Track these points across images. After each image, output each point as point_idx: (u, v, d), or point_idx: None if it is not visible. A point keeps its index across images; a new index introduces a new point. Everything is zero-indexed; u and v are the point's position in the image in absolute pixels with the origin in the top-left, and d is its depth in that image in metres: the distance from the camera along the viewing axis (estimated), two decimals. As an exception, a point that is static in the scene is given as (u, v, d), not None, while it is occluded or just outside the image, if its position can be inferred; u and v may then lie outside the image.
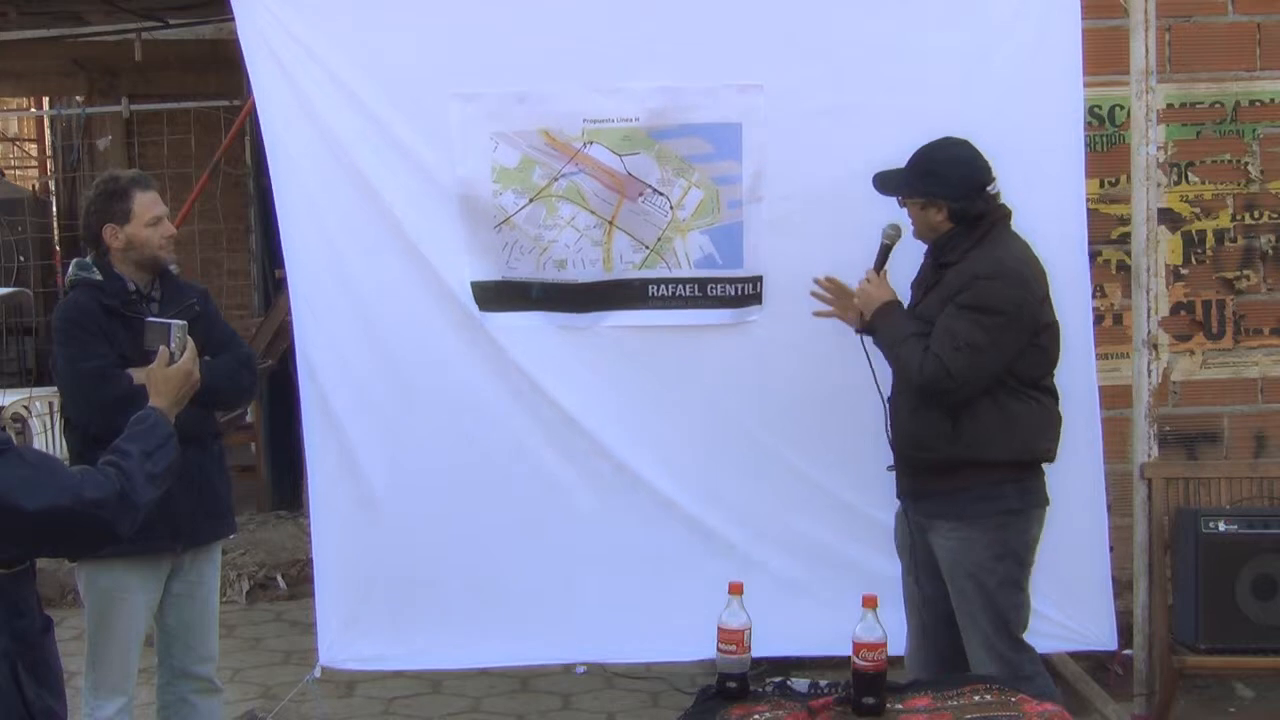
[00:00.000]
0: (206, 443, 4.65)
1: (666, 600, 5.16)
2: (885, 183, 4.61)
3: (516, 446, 5.19)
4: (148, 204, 4.60)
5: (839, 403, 5.10)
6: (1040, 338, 4.50)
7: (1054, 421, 4.58)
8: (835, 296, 4.69)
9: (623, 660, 5.82)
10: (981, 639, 4.51)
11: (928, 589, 4.65)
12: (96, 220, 4.58)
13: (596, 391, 5.18)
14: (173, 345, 3.80)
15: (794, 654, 5.18)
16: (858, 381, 4.93)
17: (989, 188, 4.51)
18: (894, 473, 4.68)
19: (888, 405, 4.64)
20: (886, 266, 4.63)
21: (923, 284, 4.61)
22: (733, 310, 5.14)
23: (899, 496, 4.71)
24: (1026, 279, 4.47)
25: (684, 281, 5.11)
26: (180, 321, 3.91)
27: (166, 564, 4.64)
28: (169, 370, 3.72)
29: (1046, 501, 4.59)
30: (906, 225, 4.64)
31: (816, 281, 4.71)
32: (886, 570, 4.84)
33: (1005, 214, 4.55)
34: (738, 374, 5.15)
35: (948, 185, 4.48)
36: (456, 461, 5.21)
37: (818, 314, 4.74)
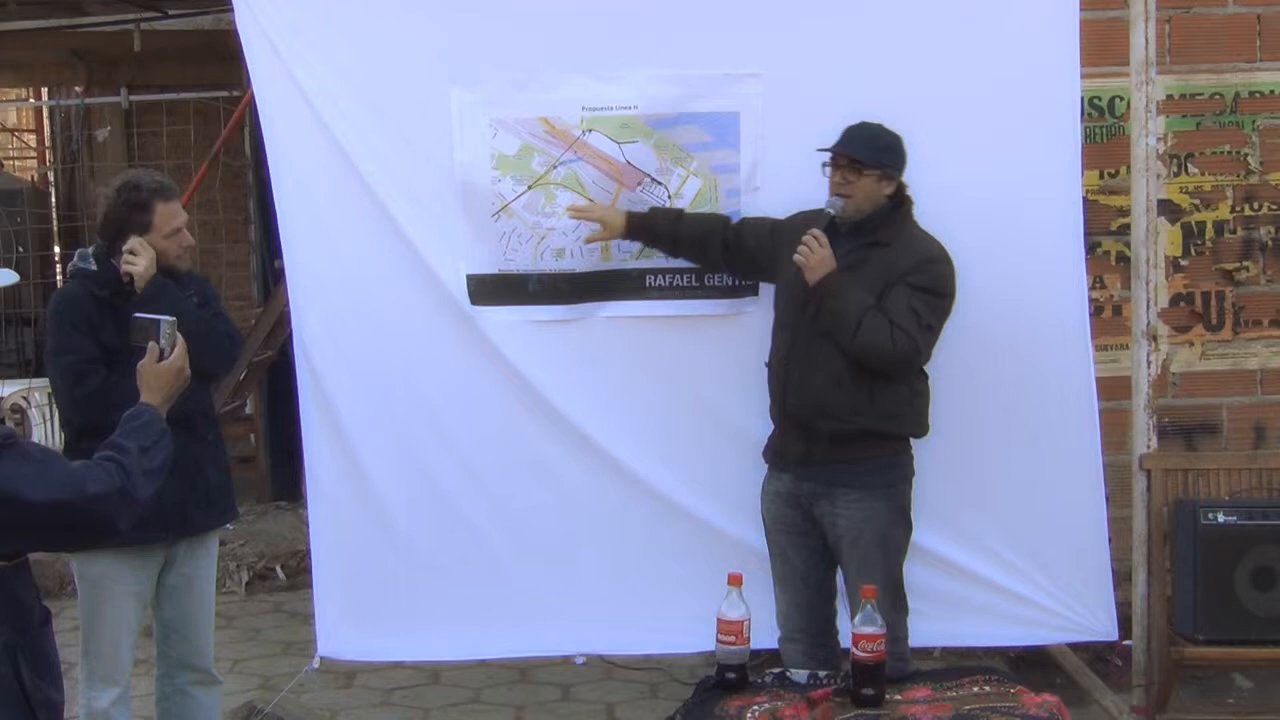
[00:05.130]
0: (199, 431, 4.64)
1: (666, 592, 5.16)
2: (857, 150, 4.61)
3: (515, 438, 5.17)
4: (168, 216, 4.60)
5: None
6: None
7: (930, 400, 4.78)
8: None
9: (622, 652, 5.82)
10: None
11: (808, 562, 4.77)
12: (116, 228, 4.58)
13: (593, 383, 5.16)
14: (162, 341, 3.79)
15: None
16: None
17: None
18: (774, 443, 4.80)
19: (780, 372, 4.72)
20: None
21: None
22: (729, 301, 5.14)
23: (781, 468, 4.79)
24: (954, 264, 4.66)
25: (681, 271, 5.10)
26: (169, 318, 3.89)
27: (159, 555, 4.64)
28: (159, 366, 3.71)
29: (915, 472, 4.79)
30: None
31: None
32: None
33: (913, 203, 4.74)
34: (735, 364, 5.14)
35: (902, 163, 4.66)
36: (454, 453, 5.19)
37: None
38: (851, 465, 4.63)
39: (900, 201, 4.69)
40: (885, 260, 4.58)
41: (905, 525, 4.74)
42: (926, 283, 4.55)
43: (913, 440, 4.76)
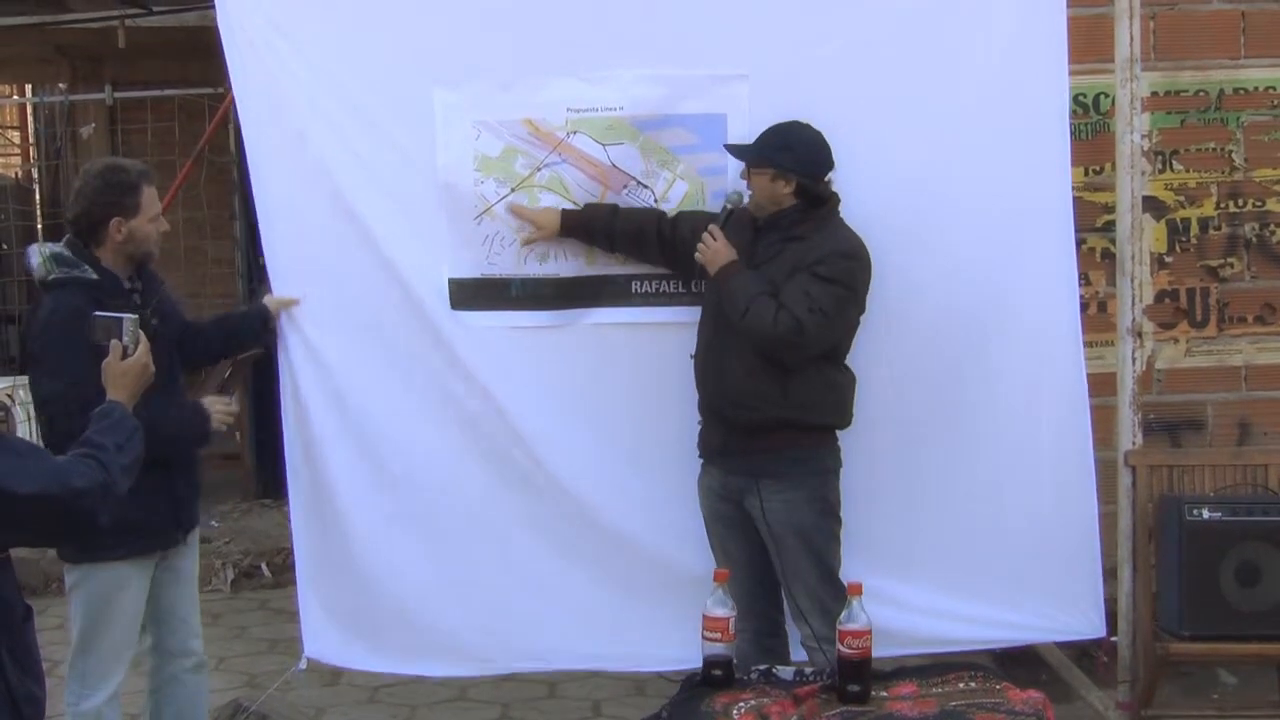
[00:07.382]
0: None
1: (653, 606, 5.09)
2: (738, 151, 4.80)
3: (496, 444, 5.08)
4: (152, 199, 4.61)
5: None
6: (859, 318, 4.79)
7: (854, 393, 4.83)
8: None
9: (609, 668, 5.73)
10: (807, 592, 4.72)
11: (746, 553, 4.84)
12: (104, 211, 4.50)
13: (577, 390, 5.09)
14: (125, 339, 3.83)
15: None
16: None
17: (830, 174, 4.75)
18: (701, 435, 4.88)
19: (700, 363, 4.83)
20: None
21: (749, 256, 4.73)
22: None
23: (708, 459, 4.87)
24: (869, 264, 4.73)
25: (668, 278, 5.04)
26: (131, 315, 3.94)
27: (157, 556, 4.66)
28: (125, 364, 3.75)
29: (841, 464, 4.85)
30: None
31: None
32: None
33: (839, 201, 4.78)
34: None
35: (801, 162, 4.70)
36: (435, 458, 5.12)
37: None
38: (770, 456, 4.70)
39: (821, 200, 4.74)
40: (799, 252, 4.67)
41: (832, 517, 4.79)
42: (827, 273, 4.61)
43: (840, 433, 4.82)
